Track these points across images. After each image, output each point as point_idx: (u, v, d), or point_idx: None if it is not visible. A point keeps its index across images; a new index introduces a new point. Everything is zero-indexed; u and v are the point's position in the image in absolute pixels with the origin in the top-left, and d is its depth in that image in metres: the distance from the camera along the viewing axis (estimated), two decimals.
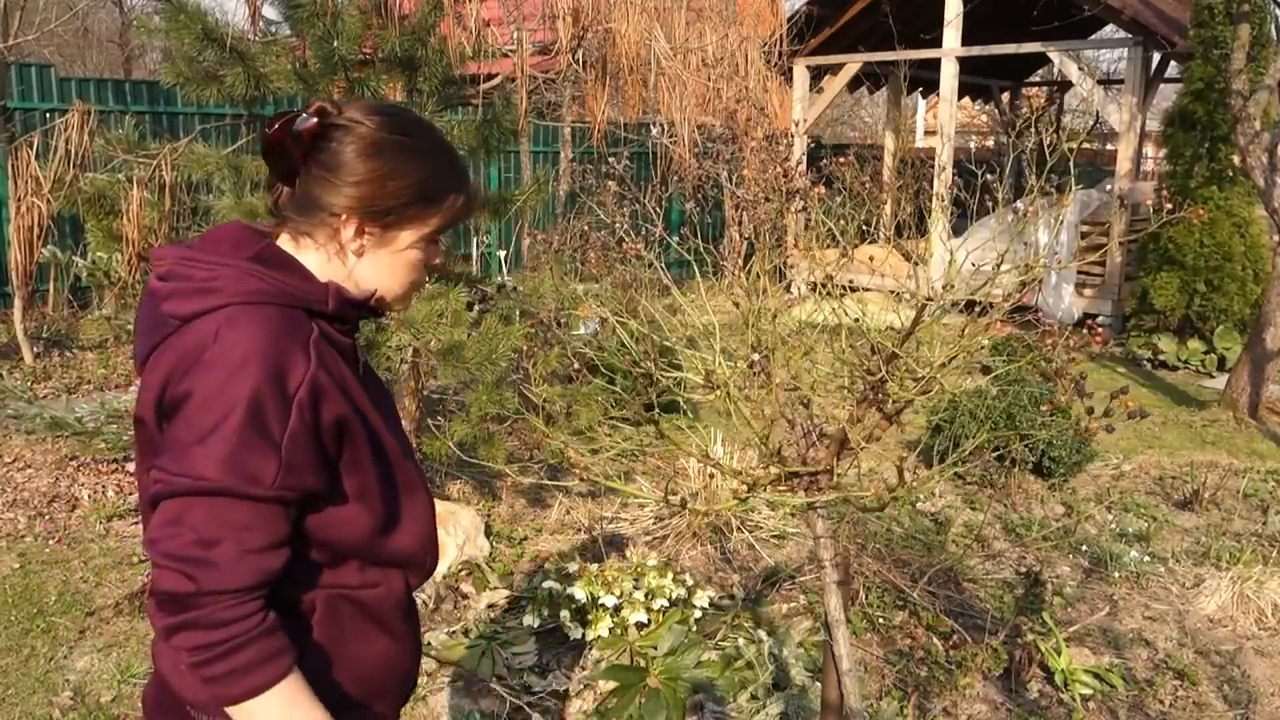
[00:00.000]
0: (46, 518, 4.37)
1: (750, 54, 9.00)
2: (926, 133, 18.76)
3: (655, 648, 3.08)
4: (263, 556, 1.13)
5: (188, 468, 1.10)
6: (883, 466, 4.56)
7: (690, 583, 3.51)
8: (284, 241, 1.28)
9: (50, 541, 4.17)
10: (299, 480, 1.15)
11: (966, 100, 16.50)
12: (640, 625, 3.27)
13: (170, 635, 1.11)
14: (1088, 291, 9.43)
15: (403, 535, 1.34)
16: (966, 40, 9.83)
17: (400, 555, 1.35)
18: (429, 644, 3.22)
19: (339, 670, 1.29)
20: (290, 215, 1.27)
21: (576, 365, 1.96)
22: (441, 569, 3.73)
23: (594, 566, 3.53)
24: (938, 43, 9.90)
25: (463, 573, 3.83)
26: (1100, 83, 12.02)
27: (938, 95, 10.28)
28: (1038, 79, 16.57)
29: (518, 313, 4.45)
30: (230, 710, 1.15)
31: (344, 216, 1.25)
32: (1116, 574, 4.01)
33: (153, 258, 1.25)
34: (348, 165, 1.23)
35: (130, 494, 4.61)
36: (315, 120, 1.22)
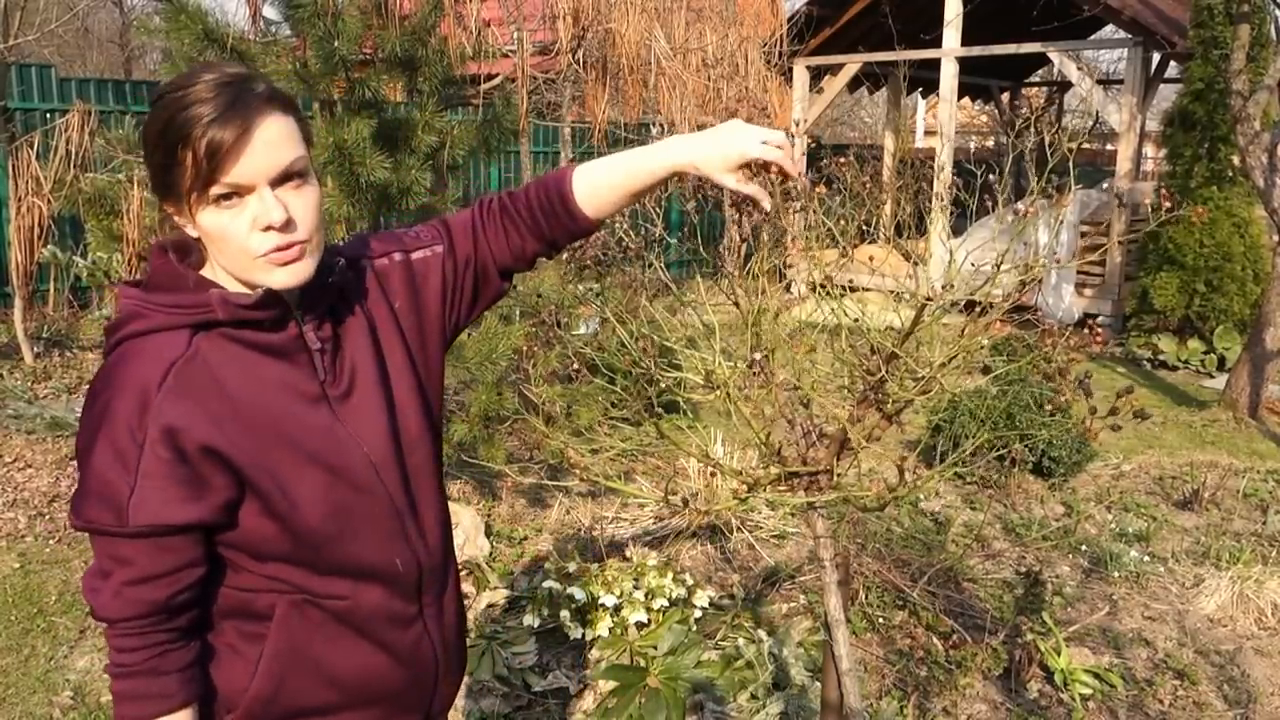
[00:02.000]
0: (47, 517, 4.37)
1: (750, 54, 9.00)
2: (926, 133, 18.77)
3: (655, 647, 3.08)
4: (143, 588, 1.16)
5: (74, 509, 1.17)
6: (883, 466, 4.56)
7: (690, 582, 3.51)
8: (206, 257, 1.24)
9: (50, 541, 4.17)
10: (160, 515, 1.13)
11: (966, 100, 16.50)
12: (640, 625, 3.28)
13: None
14: (1088, 291, 9.43)
15: (359, 549, 1.26)
16: (966, 40, 9.83)
17: (360, 567, 1.27)
18: None
19: (309, 673, 1.28)
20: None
21: (576, 365, 1.96)
22: None
23: (594, 566, 3.53)
24: (938, 43, 9.91)
25: (463, 572, 3.83)
26: (1100, 83, 12.02)
27: (937, 95, 10.29)
28: (1037, 79, 16.58)
29: (518, 312, 4.45)
30: None
31: (161, 204, 1.20)
32: (1116, 574, 4.01)
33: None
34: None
35: None
36: None
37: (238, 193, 1.15)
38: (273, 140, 1.15)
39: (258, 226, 1.16)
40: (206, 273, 1.23)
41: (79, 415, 1.20)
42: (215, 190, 1.14)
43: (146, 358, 1.16)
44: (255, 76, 1.19)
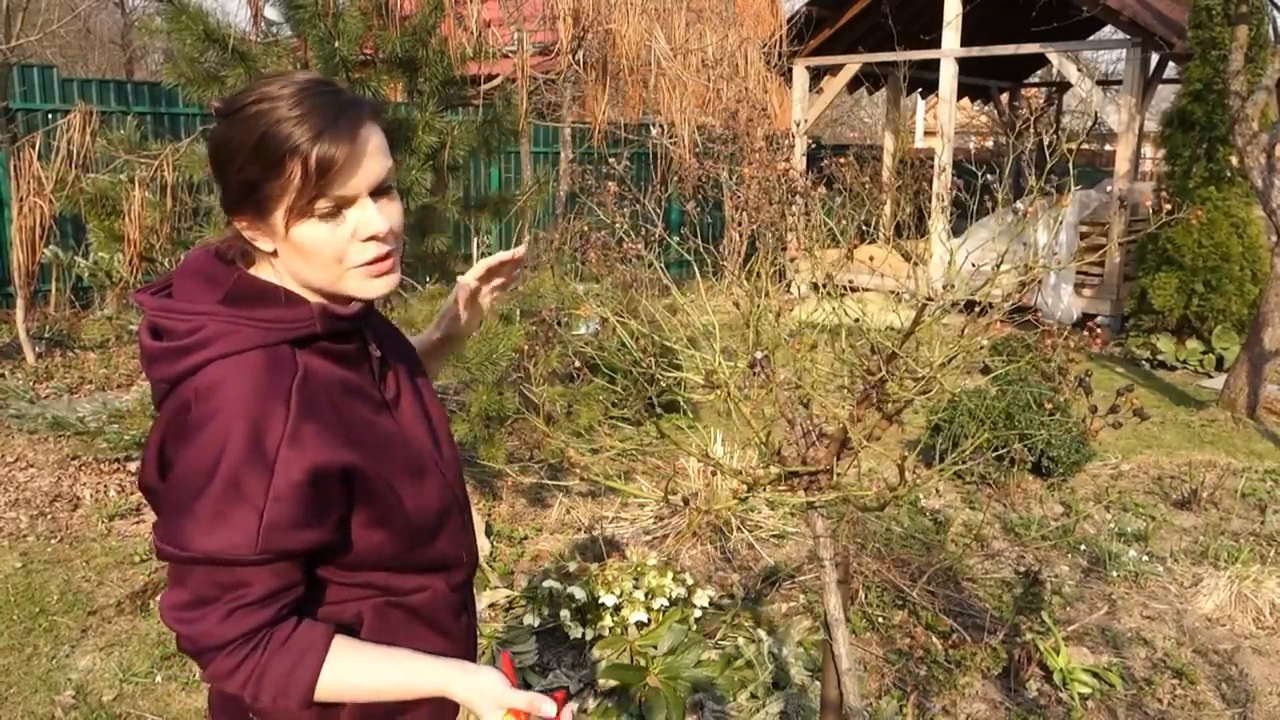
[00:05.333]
0: (49, 517, 4.38)
1: (750, 55, 9.01)
2: (926, 133, 18.79)
3: (655, 647, 3.09)
4: (258, 609, 1.13)
5: (175, 538, 1.11)
6: (882, 466, 4.57)
7: (690, 582, 3.52)
8: (254, 265, 1.22)
9: (52, 541, 4.18)
10: (287, 542, 1.11)
11: (966, 101, 16.51)
12: (640, 624, 3.28)
13: (216, 683, 1.17)
14: (1086, 291, 9.44)
15: (440, 544, 1.30)
16: (966, 41, 9.84)
17: (437, 561, 1.31)
18: None
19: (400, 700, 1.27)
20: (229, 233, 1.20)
21: (577, 365, 1.97)
22: None
23: (594, 566, 3.54)
24: (937, 43, 9.92)
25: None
26: (1099, 83, 12.03)
27: (937, 96, 10.30)
28: (1036, 80, 16.58)
29: (518, 312, 4.46)
30: (321, 697, 1.16)
31: (232, 216, 1.16)
32: (1115, 573, 4.02)
33: (138, 304, 1.19)
34: (210, 160, 1.15)
35: (132, 493, 4.62)
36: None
37: (342, 205, 1.14)
38: (374, 151, 1.15)
39: (359, 237, 1.15)
40: (271, 279, 1.20)
41: (164, 439, 1.13)
42: (322, 204, 1.12)
43: (259, 376, 1.11)
44: (336, 83, 1.18)
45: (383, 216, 1.16)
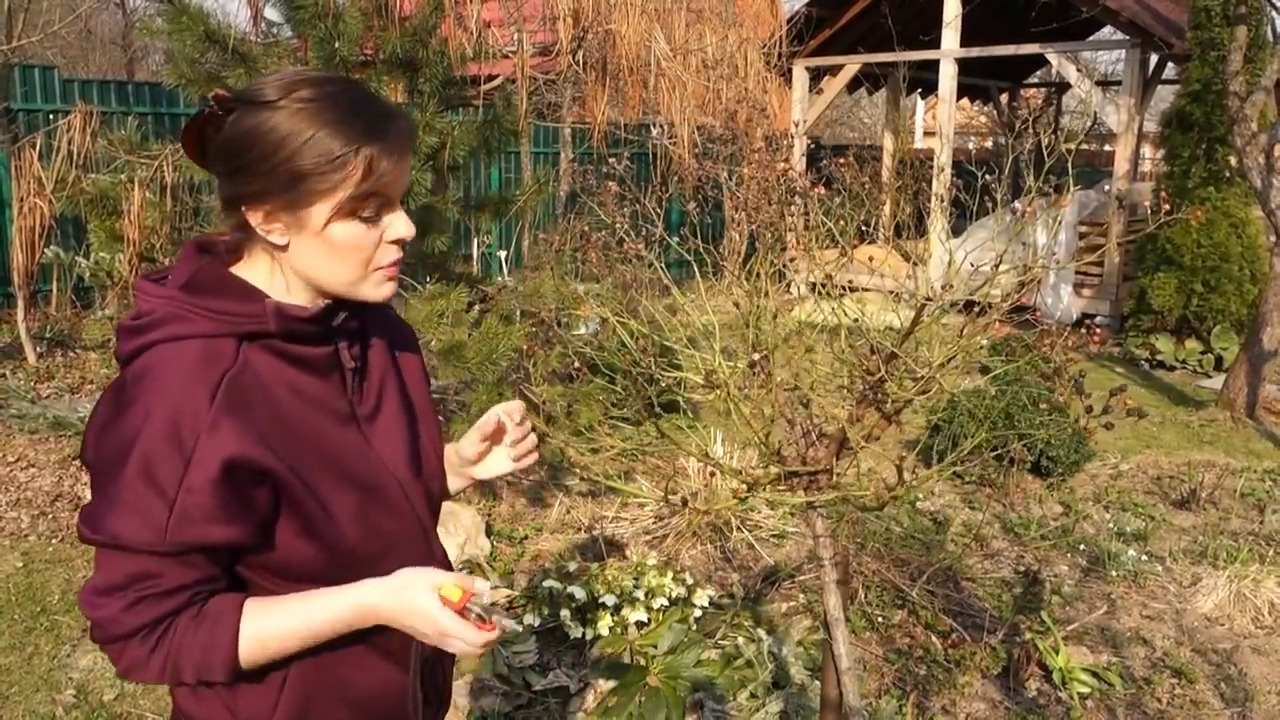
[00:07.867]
0: (50, 517, 4.38)
1: (750, 55, 9.01)
2: (925, 133, 18.81)
3: (655, 646, 3.09)
4: (166, 599, 1.10)
5: (89, 519, 1.09)
6: (882, 466, 4.58)
7: (690, 582, 3.53)
8: (243, 260, 1.20)
9: (54, 540, 4.18)
10: (197, 535, 1.08)
11: (965, 101, 16.52)
12: (640, 624, 3.29)
13: (132, 675, 1.14)
14: (1086, 291, 9.45)
15: (389, 565, 1.21)
16: (965, 41, 9.85)
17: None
18: None
19: (331, 694, 1.23)
20: (227, 225, 1.19)
21: (577, 365, 1.97)
22: None
23: (594, 565, 3.54)
24: (936, 44, 9.93)
25: (463, 572, 3.84)
26: (1098, 84, 12.04)
27: (936, 96, 10.31)
28: (1036, 80, 16.59)
29: (518, 312, 4.47)
30: (247, 659, 1.14)
31: (247, 206, 1.14)
32: (1114, 573, 4.03)
33: (137, 287, 1.19)
34: (233, 148, 1.12)
35: None
36: (208, 113, 1.13)
37: (383, 209, 1.17)
38: (410, 160, 1.19)
39: (388, 239, 1.18)
40: (248, 277, 1.18)
41: (99, 418, 1.12)
42: (369, 206, 1.14)
43: (192, 365, 1.10)
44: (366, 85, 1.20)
45: (409, 221, 1.20)
